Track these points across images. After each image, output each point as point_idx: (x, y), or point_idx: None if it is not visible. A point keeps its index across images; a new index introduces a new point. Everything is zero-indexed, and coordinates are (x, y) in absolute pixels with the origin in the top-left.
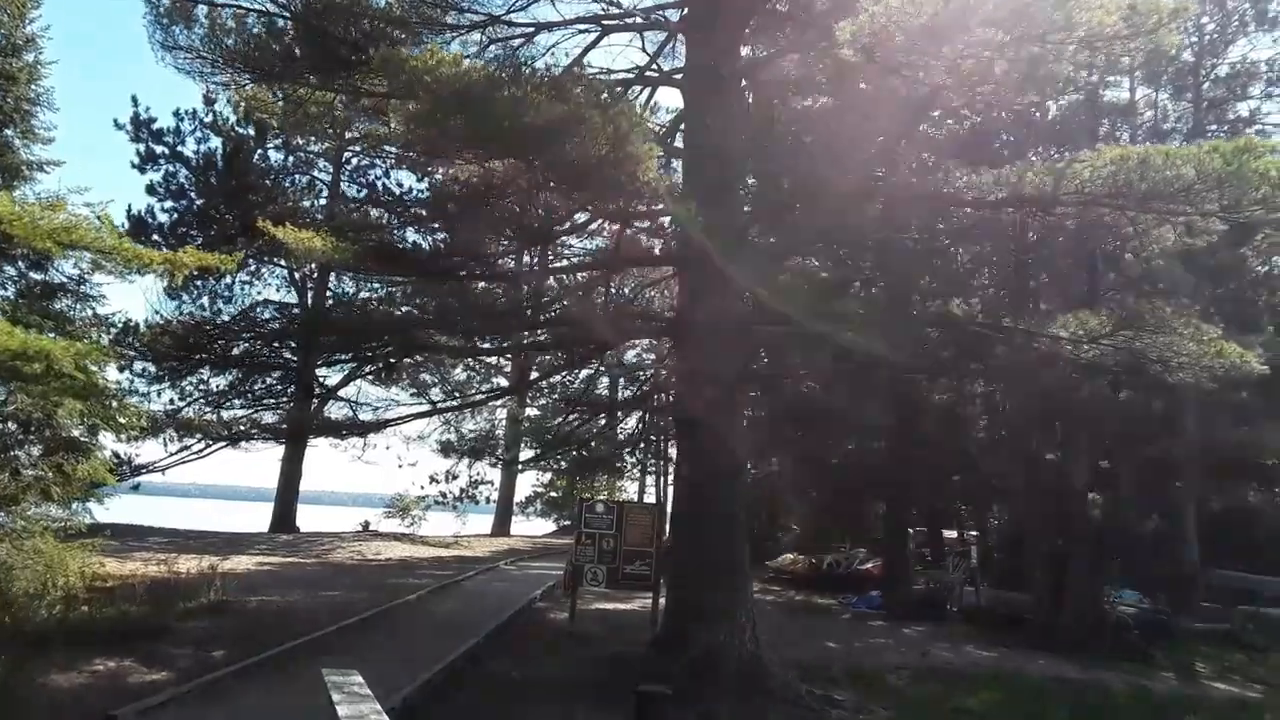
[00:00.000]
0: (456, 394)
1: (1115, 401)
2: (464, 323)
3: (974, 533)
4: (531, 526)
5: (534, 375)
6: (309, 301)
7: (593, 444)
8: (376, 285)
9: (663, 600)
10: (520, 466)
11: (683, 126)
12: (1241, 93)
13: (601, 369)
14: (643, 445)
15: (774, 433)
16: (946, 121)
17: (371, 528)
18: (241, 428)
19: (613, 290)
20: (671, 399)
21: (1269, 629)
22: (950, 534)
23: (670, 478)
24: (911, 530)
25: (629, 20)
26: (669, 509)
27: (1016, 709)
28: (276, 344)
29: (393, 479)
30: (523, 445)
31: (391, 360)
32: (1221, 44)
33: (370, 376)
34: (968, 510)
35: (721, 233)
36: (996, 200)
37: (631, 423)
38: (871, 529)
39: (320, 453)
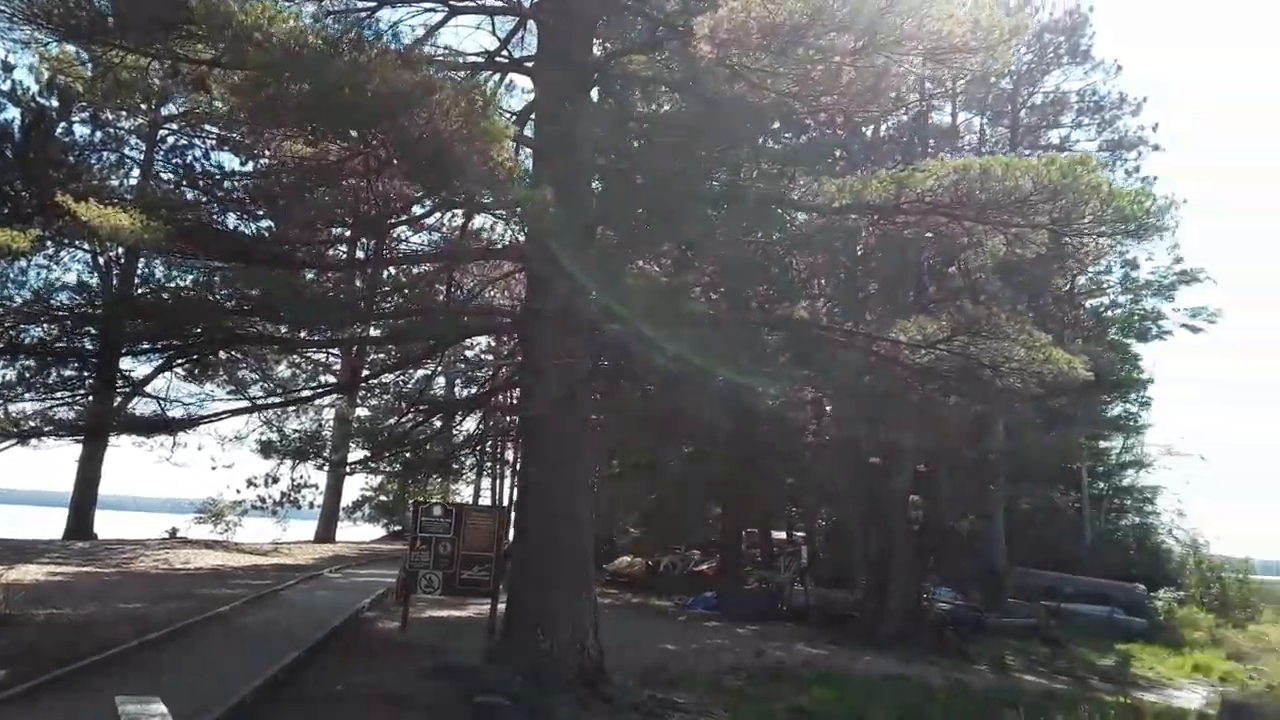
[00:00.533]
0: (280, 391)
1: (944, 406)
2: (291, 313)
3: (801, 534)
4: (359, 532)
5: (365, 373)
6: (113, 286)
7: (428, 445)
8: (191, 271)
9: (502, 606)
10: (349, 469)
11: (533, 116)
12: (1054, 120)
13: (440, 368)
14: (481, 447)
15: (614, 435)
16: (784, 135)
17: (180, 534)
18: (33, 424)
19: (454, 285)
20: (515, 400)
21: (1069, 624)
22: (779, 535)
23: (511, 481)
24: (745, 532)
25: (479, 2)
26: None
27: (846, 706)
28: (75, 331)
29: (205, 482)
30: (352, 446)
31: (207, 352)
32: (1038, 73)
33: (183, 370)
34: (798, 512)
35: (569, 228)
36: (841, 207)
37: (470, 424)
38: (707, 531)
39: (123, 453)
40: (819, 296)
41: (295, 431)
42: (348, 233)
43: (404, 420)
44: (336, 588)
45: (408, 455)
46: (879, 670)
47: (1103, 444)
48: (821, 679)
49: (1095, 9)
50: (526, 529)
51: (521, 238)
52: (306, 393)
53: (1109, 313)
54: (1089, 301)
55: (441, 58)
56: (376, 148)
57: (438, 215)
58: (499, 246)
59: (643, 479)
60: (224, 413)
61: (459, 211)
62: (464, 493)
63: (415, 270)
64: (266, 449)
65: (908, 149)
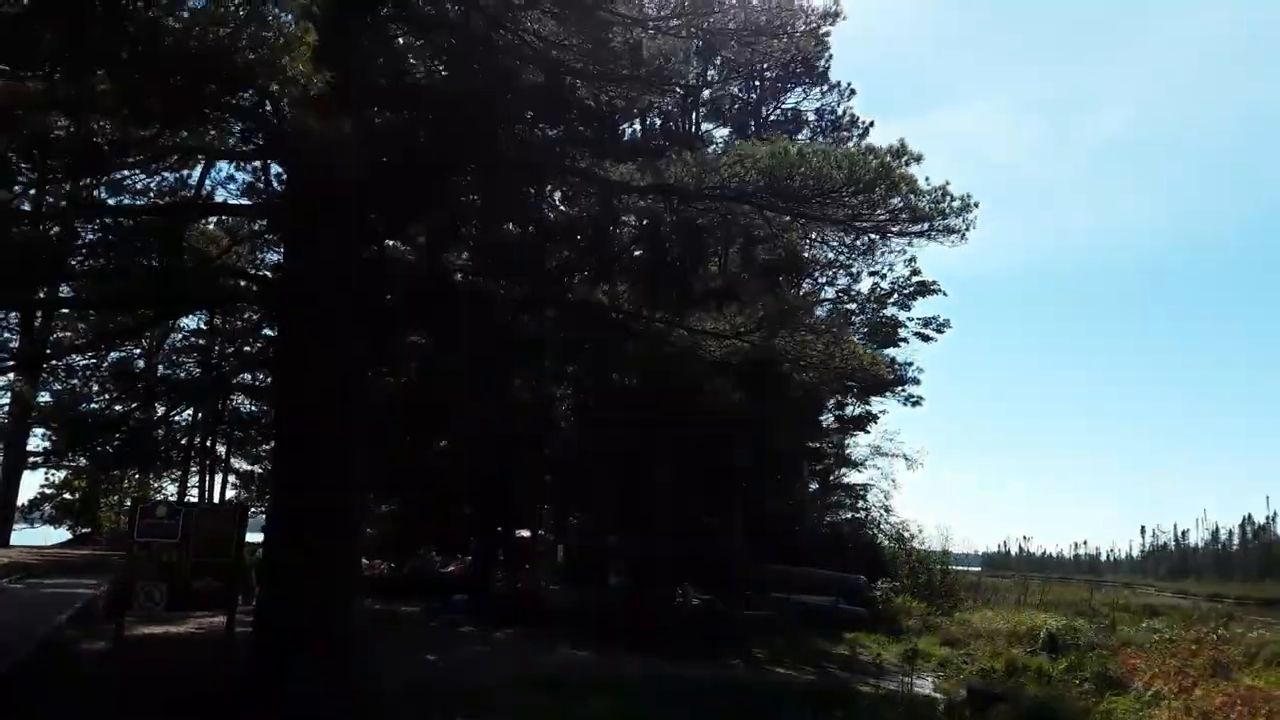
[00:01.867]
0: None
1: (732, 401)
2: None
3: (542, 533)
4: (38, 536)
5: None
6: None
7: (142, 433)
8: None
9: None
10: (38, 461)
11: None
12: (794, 135)
13: (166, 339)
14: (202, 438)
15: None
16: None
17: None
18: None
19: (185, 242)
20: (270, 382)
21: (801, 615)
22: (523, 533)
23: (224, 478)
24: (498, 531)
25: None
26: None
27: (631, 716)
28: None
29: None
30: (45, 433)
31: None
32: (780, 89)
33: None
34: (547, 509)
35: (347, 172)
36: (644, 186)
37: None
38: (458, 530)
39: None
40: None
41: None
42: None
43: (106, 404)
44: (22, 602)
45: (115, 446)
46: (647, 673)
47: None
48: (595, 686)
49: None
50: (280, 535)
51: (279, 191)
52: None
53: (855, 319)
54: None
55: None
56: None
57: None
58: (245, 201)
59: (392, 475)
60: None
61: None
62: (169, 489)
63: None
64: None
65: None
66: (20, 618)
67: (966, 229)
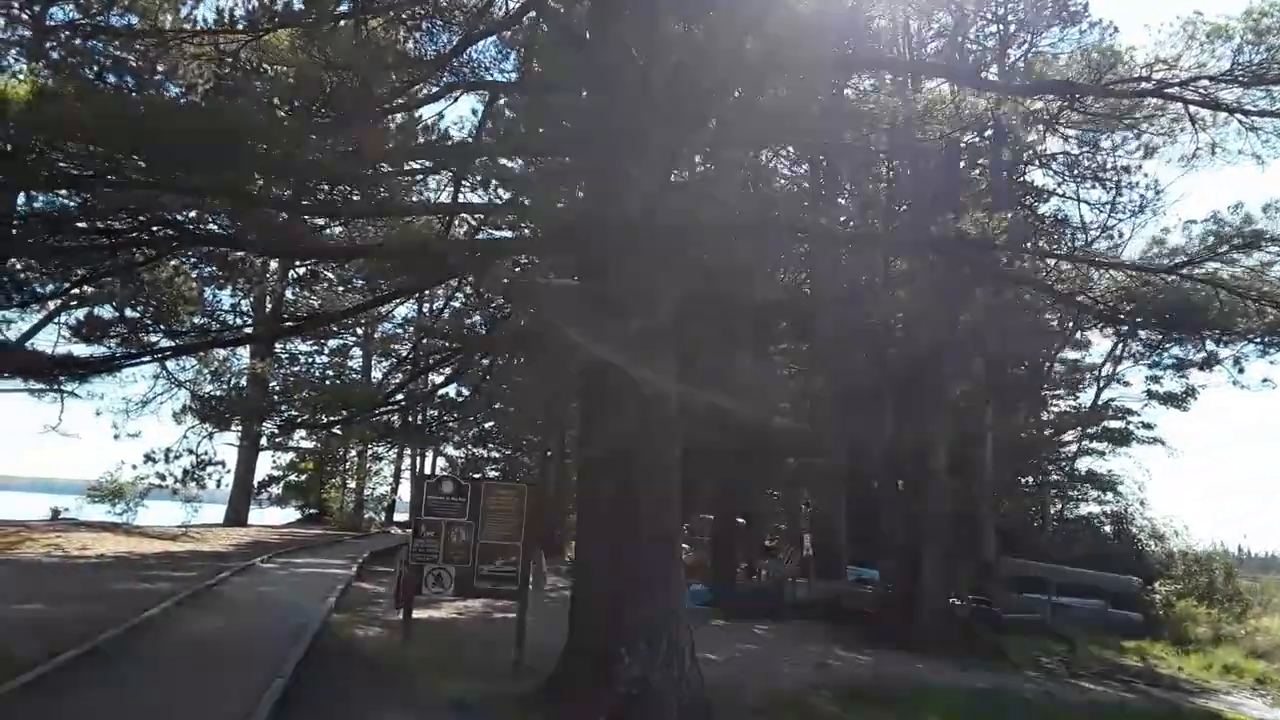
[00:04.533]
0: (204, 333)
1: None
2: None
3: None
4: (269, 515)
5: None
6: None
7: (420, 405)
8: None
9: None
10: (277, 439)
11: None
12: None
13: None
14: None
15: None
16: None
17: (69, 514)
18: None
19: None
20: (575, 341)
21: (1072, 619)
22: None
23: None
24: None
25: None
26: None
27: None
28: None
29: (88, 460)
30: (287, 407)
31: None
32: (1031, 30)
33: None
34: (778, 497)
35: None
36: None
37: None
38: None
39: None
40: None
41: (217, 391)
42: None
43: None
44: (280, 582)
45: (394, 418)
46: (950, 681)
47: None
48: (917, 699)
49: None
50: (594, 511)
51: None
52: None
53: None
54: None
55: None
56: None
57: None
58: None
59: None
60: (144, 353)
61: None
62: (384, 470)
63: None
64: (204, 407)
65: None
66: (286, 599)
67: None
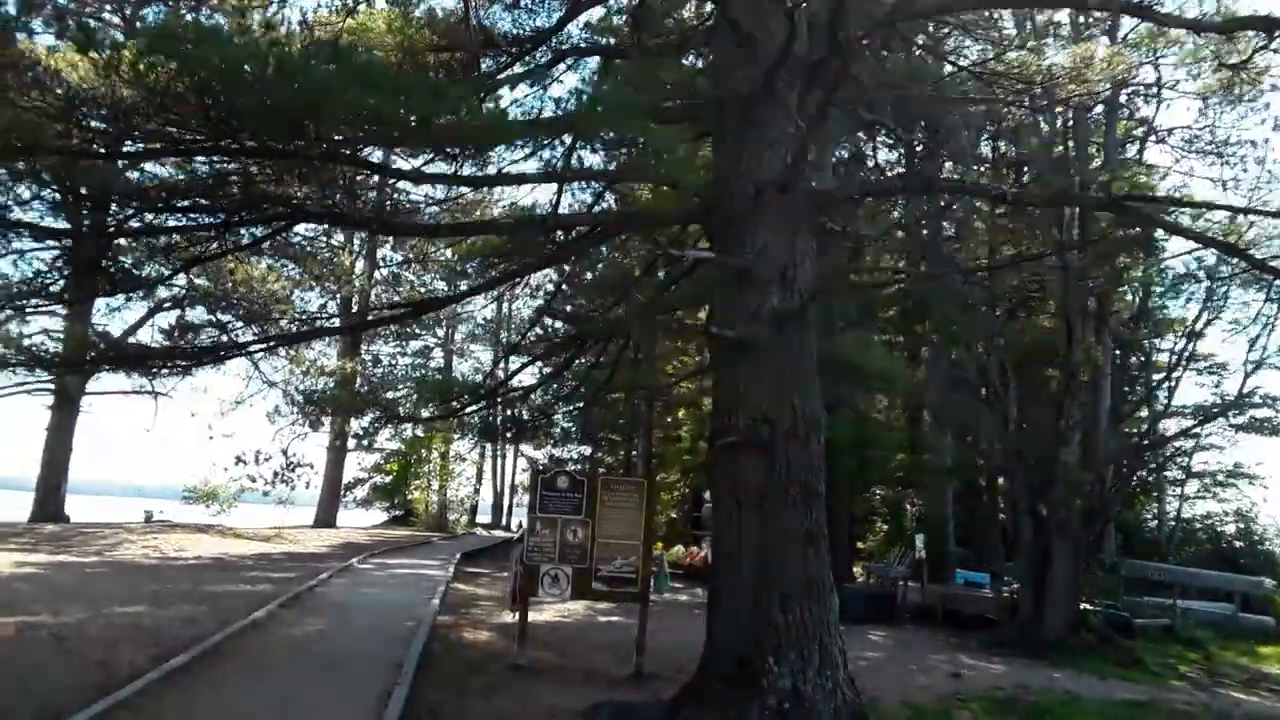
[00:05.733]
0: (305, 321)
1: None
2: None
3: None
4: (355, 517)
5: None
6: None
7: (533, 394)
8: None
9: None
10: (377, 424)
11: None
12: None
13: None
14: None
15: None
16: None
17: (164, 517)
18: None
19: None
20: (707, 316)
21: (1201, 623)
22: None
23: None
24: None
25: None
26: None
27: None
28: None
29: (180, 464)
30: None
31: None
32: None
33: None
34: (881, 497)
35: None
36: None
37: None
38: None
39: (92, 426)
40: None
41: (310, 389)
42: None
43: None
44: (379, 583)
45: (504, 411)
46: (1099, 693)
47: None
48: (1070, 710)
49: None
50: (732, 506)
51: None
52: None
53: None
54: None
55: None
56: None
57: None
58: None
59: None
60: (237, 346)
61: None
62: (467, 471)
63: None
64: (306, 402)
65: None
66: (390, 600)
67: None
